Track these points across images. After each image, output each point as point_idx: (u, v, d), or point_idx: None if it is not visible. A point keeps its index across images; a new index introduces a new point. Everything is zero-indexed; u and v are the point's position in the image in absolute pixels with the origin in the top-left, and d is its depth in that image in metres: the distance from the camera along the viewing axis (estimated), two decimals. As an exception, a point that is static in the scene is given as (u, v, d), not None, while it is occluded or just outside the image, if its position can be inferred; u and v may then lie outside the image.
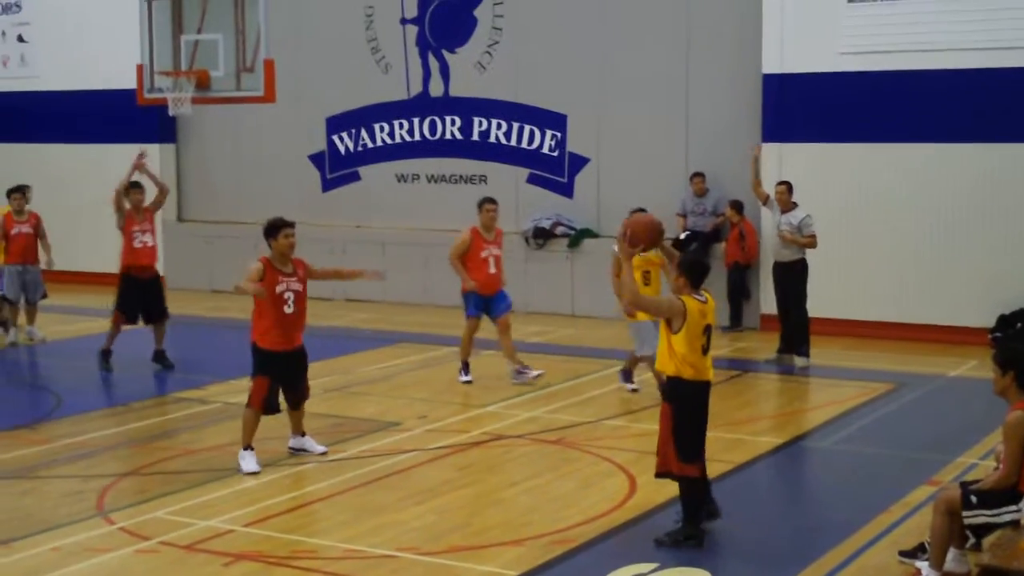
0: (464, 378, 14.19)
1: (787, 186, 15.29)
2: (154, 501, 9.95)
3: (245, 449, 10.81)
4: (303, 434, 11.33)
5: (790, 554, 8.63)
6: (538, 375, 14.03)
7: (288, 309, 10.82)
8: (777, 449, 11.56)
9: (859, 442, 11.81)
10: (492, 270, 14.12)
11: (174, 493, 10.17)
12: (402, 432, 12.08)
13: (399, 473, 10.71)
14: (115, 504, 9.86)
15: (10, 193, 17.35)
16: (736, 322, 17.64)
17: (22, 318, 17.26)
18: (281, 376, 10.94)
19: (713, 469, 10.28)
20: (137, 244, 15.08)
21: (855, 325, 17.13)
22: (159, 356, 15.14)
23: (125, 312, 15.00)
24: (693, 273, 8.88)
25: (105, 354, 15.00)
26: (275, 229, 10.86)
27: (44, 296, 17.42)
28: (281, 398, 11.08)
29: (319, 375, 14.65)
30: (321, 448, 11.27)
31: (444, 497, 10.07)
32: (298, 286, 10.90)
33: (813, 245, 15.03)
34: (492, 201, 14.35)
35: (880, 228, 17.01)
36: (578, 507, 9.66)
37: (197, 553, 8.70)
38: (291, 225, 10.92)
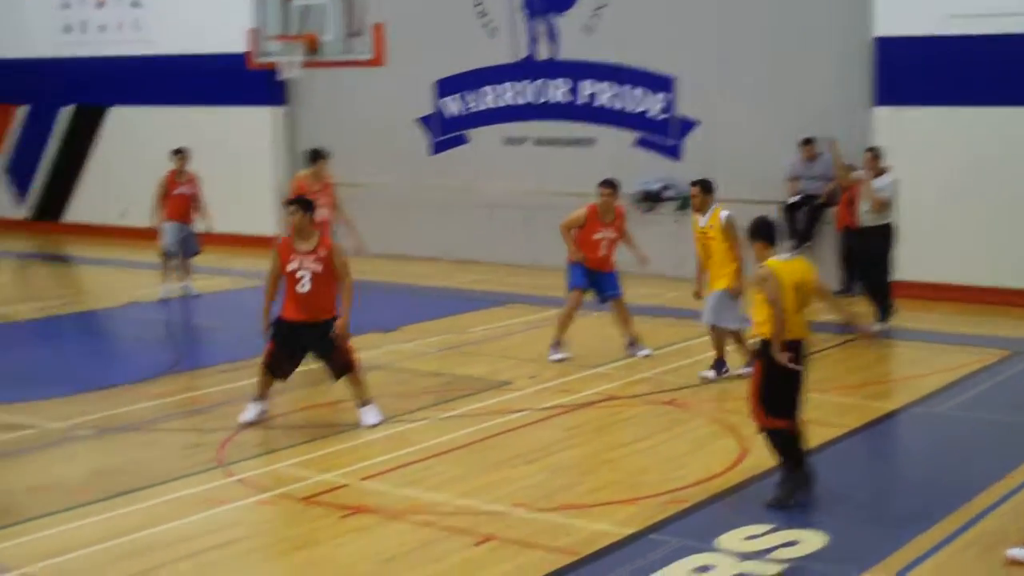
0: (556, 356, 13.46)
1: (873, 152, 15.13)
2: (272, 454, 10.16)
3: (253, 400, 11.08)
4: (363, 403, 11.11)
5: (907, 517, 8.54)
6: (646, 354, 13.76)
7: (301, 288, 10.73)
8: (891, 414, 11.44)
9: (976, 408, 11.64)
10: (603, 252, 13.70)
11: (292, 447, 10.36)
12: (513, 392, 12.16)
13: (510, 432, 10.79)
14: (234, 457, 10.06)
15: (174, 154, 17.81)
16: (848, 287, 17.43)
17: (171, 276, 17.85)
18: (298, 346, 10.92)
19: (826, 433, 10.24)
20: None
21: (969, 291, 16.84)
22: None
23: None
24: (761, 233, 8.86)
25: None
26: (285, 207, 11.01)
27: (197, 253, 17.99)
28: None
29: (430, 334, 14.86)
30: (372, 420, 10.98)
31: (555, 456, 10.13)
32: (316, 265, 10.74)
33: (882, 209, 14.87)
34: (607, 184, 13.62)
35: (994, 192, 16.67)
36: (690, 468, 9.66)
37: (314, 506, 8.86)
38: (292, 203, 10.93)
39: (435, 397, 11.92)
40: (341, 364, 11.03)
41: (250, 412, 11.03)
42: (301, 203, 10.99)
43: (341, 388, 12.27)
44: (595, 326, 14.84)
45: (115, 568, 7.76)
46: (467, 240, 20.90)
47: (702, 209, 12.57)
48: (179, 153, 17.80)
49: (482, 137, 21.38)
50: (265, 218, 22.78)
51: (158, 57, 24.27)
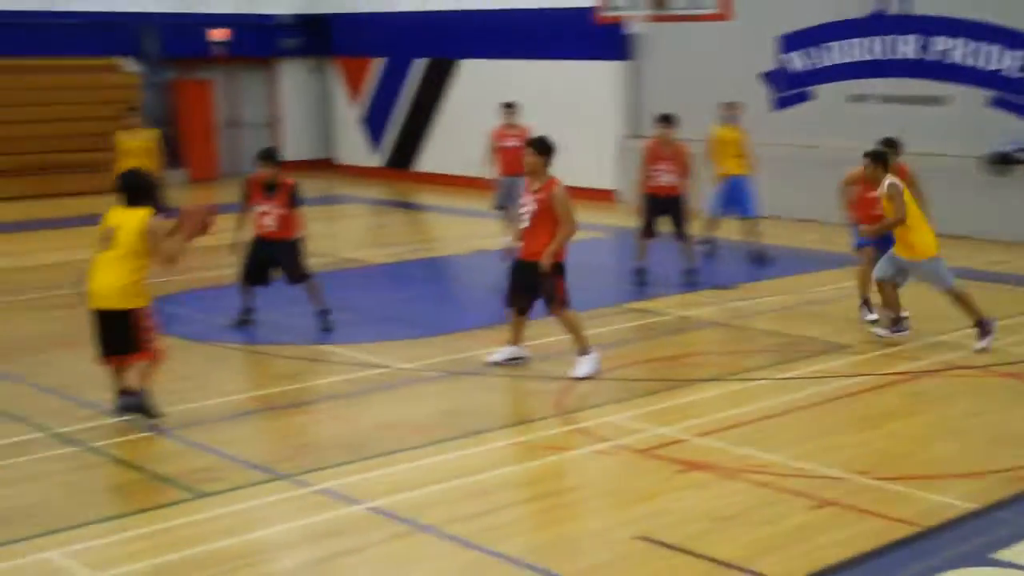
0: (870, 316, 12.90)
1: None
2: (610, 406, 10.34)
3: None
4: (580, 352, 11.25)
5: None
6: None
7: (522, 225, 11.44)
8: None
9: None
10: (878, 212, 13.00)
11: (629, 400, 10.53)
12: (854, 355, 11.95)
13: (850, 396, 10.62)
14: (574, 406, 10.32)
15: (504, 108, 17.99)
16: None
17: None
18: (522, 284, 11.41)
19: None
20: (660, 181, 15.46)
21: None
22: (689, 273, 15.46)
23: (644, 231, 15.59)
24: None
25: (689, 272, 15.46)
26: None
27: None
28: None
29: (769, 293, 14.76)
30: (580, 371, 11.12)
31: (896, 423, 9.93)
32: (534, 205, 11.30)
33: None
34: (866, 156, 12.97)
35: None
36: (1041, 445, 9.29)
37: (651, 459, 8.99)
38: (529, 145, 11.50)
39: (773, 357, 11.85)
40: (550, 300, 11.29)
41: (499, 354, 11.53)
42: (535, 144, 11.41)
43: (673, 345, 12.41)
44: (939, 293, 14.36)
45: (461, 506, 8.12)
46: (809, 199, 20.55)
47: None
48: (509, 107, 17.95)
49: (826, 93, 20.94)
50: (605, 172, 23.07)
51: (509, 11, 24.87)
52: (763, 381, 11.07)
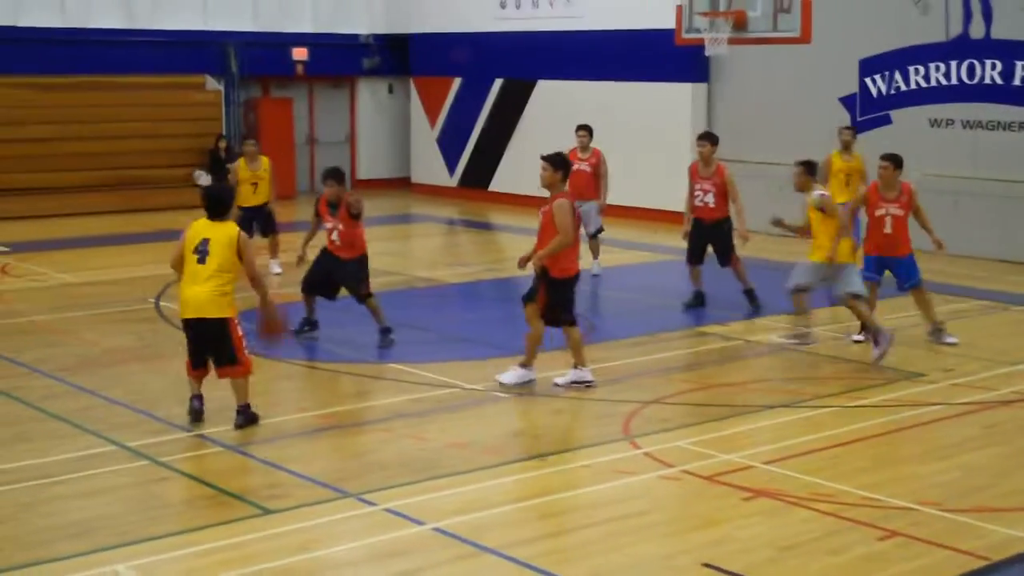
0: (949, 339, 13.35)
1: None
2: (677, 431, 10.30)
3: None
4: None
5: None
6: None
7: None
8: None
9: None
10: (888, 230, 13.25)
11: (696, 424, 10.49)
12: (926, 384, 11.80)
13: (921, 426, 10.50)
14: (640, 430, 10.29)
15: (577, 130, 17.63)
16: None
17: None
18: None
19: None
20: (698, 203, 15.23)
21: None
22: (749, 295, 15.21)
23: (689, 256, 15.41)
24: None
25: (748, 293, 15.22)
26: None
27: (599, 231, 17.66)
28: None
29: (840, 320, 14.62)
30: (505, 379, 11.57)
31: (969, 455, 9.77)
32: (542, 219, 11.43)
33: None
34: (886, 158, 13.30)
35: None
36: (1117, 479, 9.12)
37: (717, 485, 8.94)
38: (544, 159, 11.50)
39: (845, 384, 11.74)
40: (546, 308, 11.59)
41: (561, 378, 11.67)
42: (551, 159, 11.48)
43: (741, 370, 12.35)
44: (1013, 322, 14.18)
45: (525, 528, 8.13)
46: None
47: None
48: (582, 129, 17.47)
49: (906, 118, 20.73)
50: (679, 193, 22.95)
51: (586, 32, 24.91)
52: (833, 408, 10.97)
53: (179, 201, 23.60)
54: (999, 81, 19.57)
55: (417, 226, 24.41)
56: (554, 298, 11.48)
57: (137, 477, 9.10)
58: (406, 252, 20.65)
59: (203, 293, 9.95)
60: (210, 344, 10.12)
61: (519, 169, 26.14)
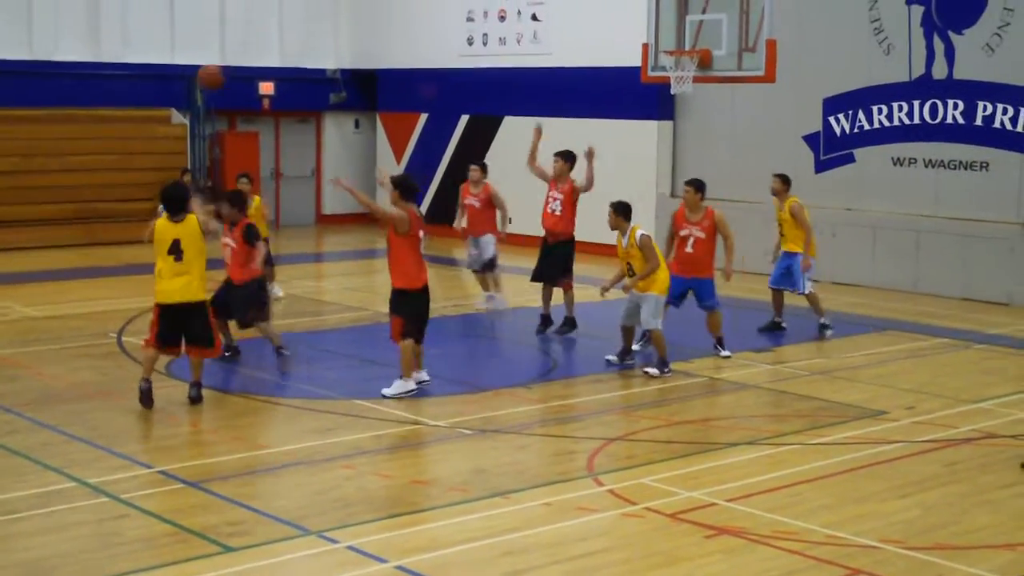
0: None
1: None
2: (640, 468, 10.30)
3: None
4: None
5: None
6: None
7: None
8: None
9: None
10: (689, 250, 14.38)
11: (659, 462, 10.49)
12: (888, 422, 11.86)
13: (884, 463, 10.54)
14: (604, 467, 10.29)
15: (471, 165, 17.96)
16: None
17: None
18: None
19: None
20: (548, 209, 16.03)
21: None
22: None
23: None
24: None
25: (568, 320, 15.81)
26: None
27: (488, 267, 17.74)
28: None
29: (804, 357, 14.68)
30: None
31: (931, 492, 9.81)
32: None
33: None
34: (688, 183, 14.77)
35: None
36: (1077, 517, 9.18)
37: (680, 523, 8.94)
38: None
39: (807, 422, 11.79)
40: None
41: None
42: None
43: (705, 407, 12.39)
44: (974, 360, 14.29)
45: (491, 566, 8.10)
46: (847, 262, 20.48)
47: None
48: (474, 165, 17.76)
49: (869, 157, 20.92)
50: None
51: (553, 69, 25.03)
52: (796, 446, 11.01)
53: (143, 235, 23.47)
54: (961, 121, 19.77)
55: (381, 261, 24.18)
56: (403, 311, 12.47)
57: (97, 514, 9.02)
58: (370, 287, 20.59)
59: (184, 283, 11.55)
60: (190, 326, 11.67)
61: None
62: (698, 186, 14.70)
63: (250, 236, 13.35)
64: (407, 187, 12.60)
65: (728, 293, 18.03)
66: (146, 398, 11.66)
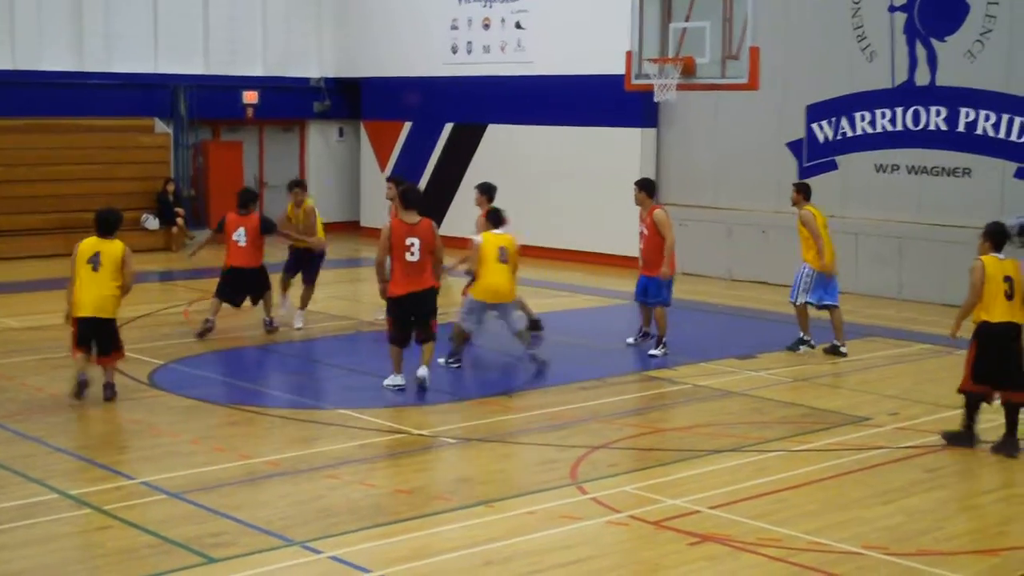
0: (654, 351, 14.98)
1: None
2: (624, 475, 10.31)
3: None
4: None
5: None
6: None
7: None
8: None
9: None
10: (640, 246, 15.09)
11: (643, 469, 10.51)
12: (871, 428, 11.89)
13: (867, 469, 10.55)
14: (587, 475, 10.28)
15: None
16: None
17: None
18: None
19: None
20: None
21: None
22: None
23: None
24: (994, 238, 11.49)
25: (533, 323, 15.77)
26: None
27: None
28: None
29: (788, 363, 14.71)
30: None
31: (913, 498, 9.83)
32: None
33: None
34: (637, 183, 15.30)
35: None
36: (1059, 522, 9.21)
37: (664, 530, 8.94)
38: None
39: (791, 428, 11.81)
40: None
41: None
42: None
43: (690, 415, 12.40)
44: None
45: (475, 575, 8.09)
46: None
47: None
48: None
49: (852, 163, 20.99)
50: (629, 239, 23.10)
51: (537, 77, 25.05)
52: (779, 453, 11.02)
53: (127, 244, 23.41)
54: (944, 127, 19.85)
55: (366, 270, 24.22)
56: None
57: (80, 526, 8.99)
58: (355, 296, 20.58)
59: (97, 295, 12.23)
60: (98, 337, 12.35)
61: (469, 213, 26.14)
62: (642, 185, 15.21)
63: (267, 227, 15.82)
64: (406, 196, 13.15)
65: (720, 300, 18.10)
66: (79, 388, 12.33)
